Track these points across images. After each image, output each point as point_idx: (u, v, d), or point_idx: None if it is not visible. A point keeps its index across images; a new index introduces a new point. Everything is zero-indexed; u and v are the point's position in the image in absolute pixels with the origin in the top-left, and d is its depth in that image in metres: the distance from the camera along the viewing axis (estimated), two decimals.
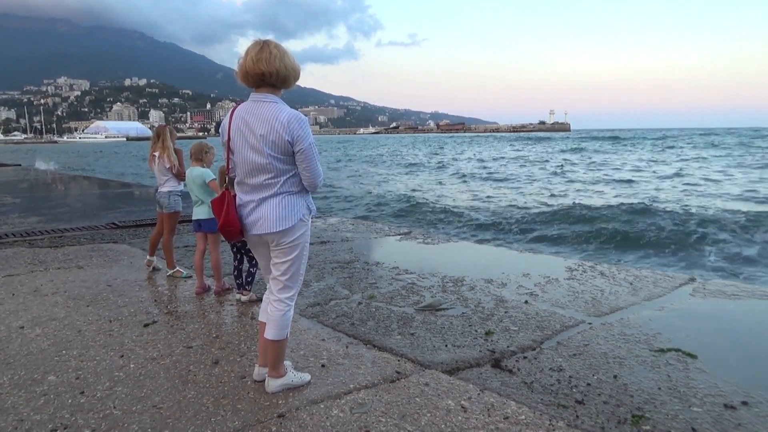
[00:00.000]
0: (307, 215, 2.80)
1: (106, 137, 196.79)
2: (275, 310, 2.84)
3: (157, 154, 5.27)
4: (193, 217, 4.89)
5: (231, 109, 2.82)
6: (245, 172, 2.72)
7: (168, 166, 5.25)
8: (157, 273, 5.60)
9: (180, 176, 5.32)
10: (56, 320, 4.12)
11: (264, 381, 2.96)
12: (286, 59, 2.66)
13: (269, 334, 2.84)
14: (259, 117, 2.64)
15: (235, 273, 4.68)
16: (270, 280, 2.91)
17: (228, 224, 2.76)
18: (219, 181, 4.55)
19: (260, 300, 4.41)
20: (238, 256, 4.70)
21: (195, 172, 4.77)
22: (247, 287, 4.63)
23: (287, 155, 2.66)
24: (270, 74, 2.63)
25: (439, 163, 40.99)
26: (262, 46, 2.64)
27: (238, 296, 4.66)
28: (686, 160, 38.36)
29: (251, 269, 4.64)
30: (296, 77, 2.75)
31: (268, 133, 2.61)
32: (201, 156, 4.82)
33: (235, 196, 2.80)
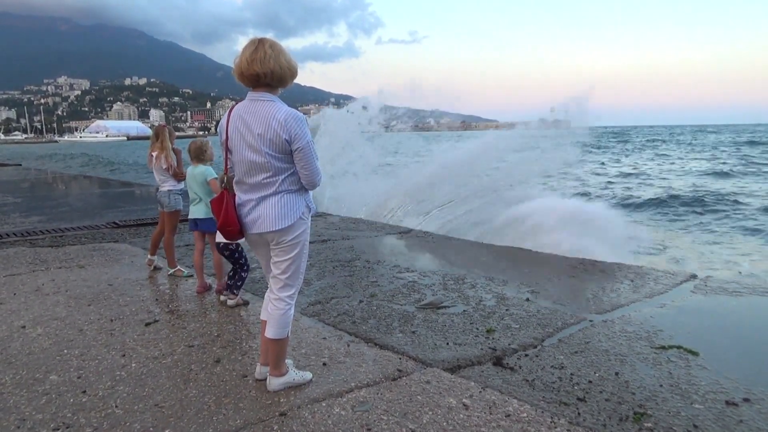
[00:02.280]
0: (306, 213, 2.80)
1: (107, 136, 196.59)
2: (275, 308, 2.84)
3: (155, 154, 5.27)
4: (190, 216, 4.88)
5: (229, 108, 2.83)
6: (243, 171, 2.72)
7: (165, 166, 5.25)
8: (158, 272, 5.60)
9: (177, 177, 5.31)
10: (58, 319, 4.13)
11: (265, 380, 2.96)
12: (281, 59, 2.64)
13: (270, 332, 2.84)
14: (256, 116, 2.64)
15: (230, 273, 4.52)
16: (270, 279, 2.91)
17: (227, 224, 2.76)
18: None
19: (247, 303, 4.38)
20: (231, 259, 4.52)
21: (197, 170, 4.77)
22: (235, 291, 4.46)
23: (285, 154, 2.66)
24: (265, 75, 2.62)
25: None
26: (257, 46, 2.63)
27: (224, 298, 4.51)
28: None
29: (242, 273, 4.48)
30: (293, 76, 2.73)
31: (266, 131, 2.61)
32: (201, 155, 4.83)
33: (234, 195, 2.81)
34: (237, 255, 4.48)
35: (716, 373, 3.17)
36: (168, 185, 5.33)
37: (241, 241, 4.41)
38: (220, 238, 4.37)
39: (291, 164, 2.70)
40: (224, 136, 2.77)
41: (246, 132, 2.66)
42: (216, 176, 4.75)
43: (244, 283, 4.53)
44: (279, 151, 2.64)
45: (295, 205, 2.74)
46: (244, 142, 2.67)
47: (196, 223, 4.85)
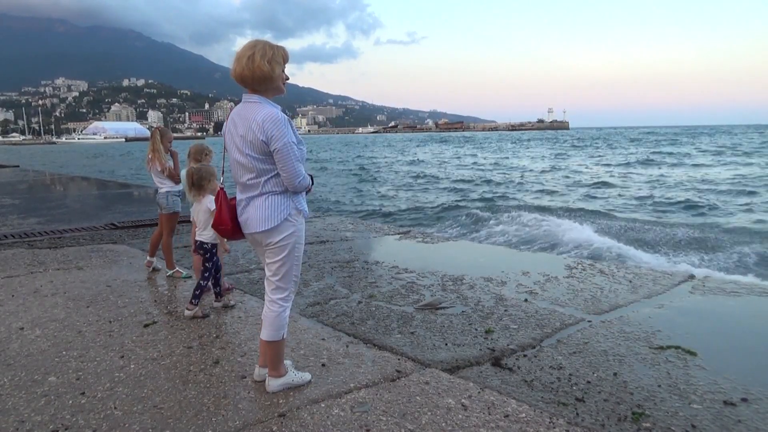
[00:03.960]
0: (295, 215, 2.77)
1: (105, 138, 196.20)
2: (269, 310, 2.84)
3: (151, 156, 5.29)
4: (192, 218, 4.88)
5: (229, 110, 2.89)
6: (235, 171, 2.80)
7: (160, 169, 5.26)
8: (157, 273, 5.60)
9: (173, 179, 5.31)
10: (56, 321, 4.12)
11: (264, 381, 2.96)
12: (243, 60, 2.63)
13: (264, 334, 2.85)
14: (242, 117, 2.70)
15: (213, 281, 4.37)
16: (265, 281, 2.92)
17: (220, 222, 2.82)
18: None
19: (207, 316, 4.22)
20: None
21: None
22: (193, 301, 4.21)
23: (265, 155, 2.67)
24: (237, 77, 2.69)
25: None
26: (240, 48, 2.70)
27: (188, 313, 4.22)
28: None
29: (201, 282, 4.23)
30: (263, 78, 2.65)
31: (246, 133, 2.65)
32: (200, 158, 4.83)
33: (233, 196, 2.86)
34: (209, 255, 4.27)
35: (714, 374, 3.18)
36: (166, 187, 5.33)
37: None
38: (199, 237, 4.31)
39: (273, 165, 2.70)
40: (224, 138, 2.83)
41: (234, 133, 2.72)
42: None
43: (203, 293, 4.28)
44: (259, 152, 2.65)
45: (280, 207, 2.73)
46: (233, 144, 2.73)
47: None
